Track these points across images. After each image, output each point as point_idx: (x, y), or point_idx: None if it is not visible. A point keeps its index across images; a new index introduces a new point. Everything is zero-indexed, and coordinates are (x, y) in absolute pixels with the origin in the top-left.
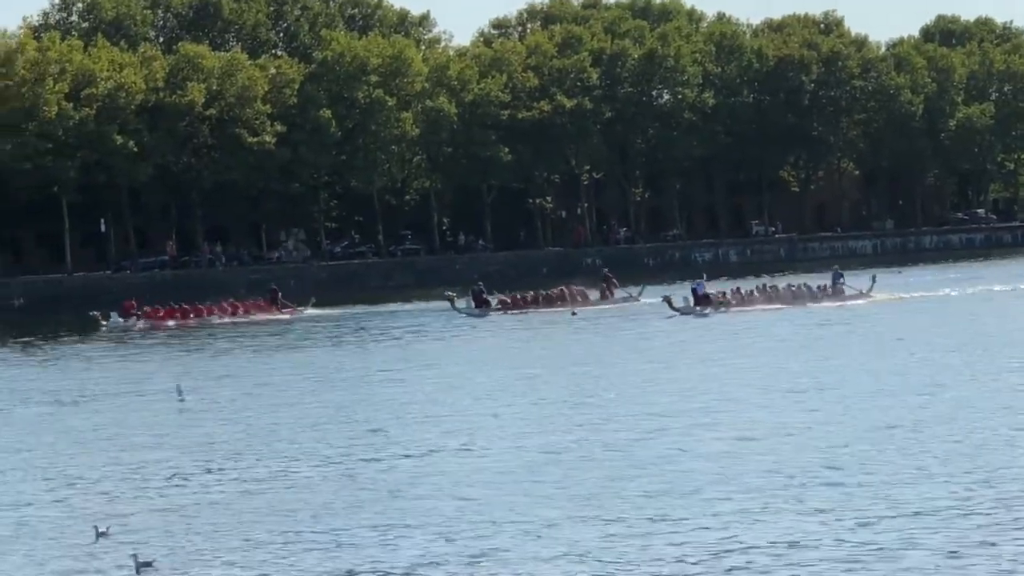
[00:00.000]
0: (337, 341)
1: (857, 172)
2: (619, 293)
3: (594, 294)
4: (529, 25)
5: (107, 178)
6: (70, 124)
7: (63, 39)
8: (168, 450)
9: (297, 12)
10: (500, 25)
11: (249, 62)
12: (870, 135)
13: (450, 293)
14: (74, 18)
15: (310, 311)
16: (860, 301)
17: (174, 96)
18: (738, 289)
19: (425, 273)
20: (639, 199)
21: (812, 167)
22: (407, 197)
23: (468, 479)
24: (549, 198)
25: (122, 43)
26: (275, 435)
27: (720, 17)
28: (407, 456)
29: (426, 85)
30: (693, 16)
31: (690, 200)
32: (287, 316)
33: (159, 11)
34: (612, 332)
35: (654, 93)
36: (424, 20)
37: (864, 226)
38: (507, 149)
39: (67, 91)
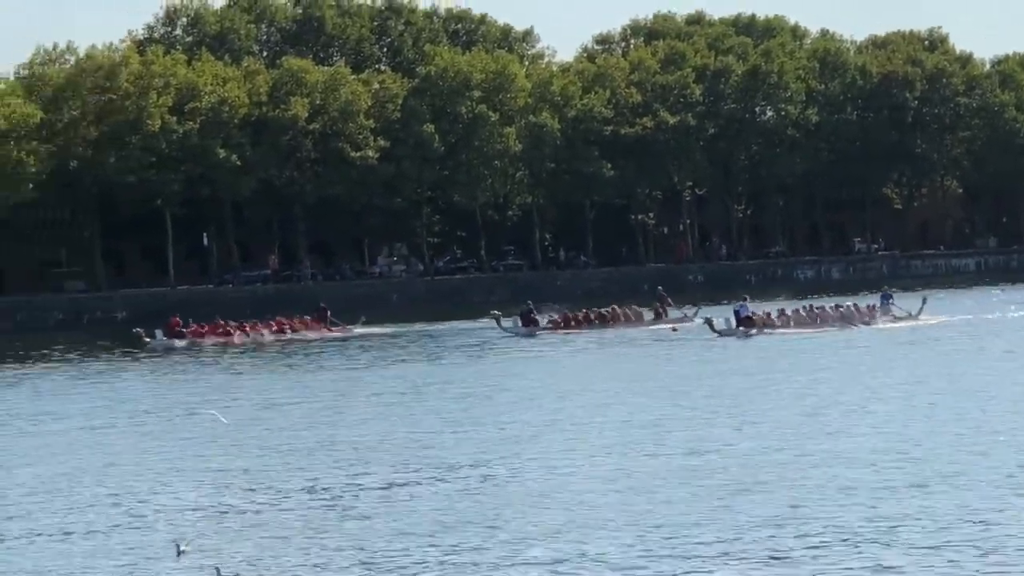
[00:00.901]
0: (393, 359)
1: (960, 190)
2: (673, 313)
3: (648, 314)
4: (632, 41)
5: (210, 192)
6: (174, 138)
7: (167, 53)
8: (247, 464)
9: (401, 27)
10: (603, 41)
11: (352, 77)
12: (974, 152)
13: (496, 312)
14: (178, 32)
15: (360, 330)
16: (908, 323)
17: (277, 110)
18: (783, 311)
19: (526, 288)
20: (741, 215)
21: (915, 184)
22: (509, 212)
23: (579, 493)
24: (651, 214)
25: (226, 57)
26: (354, 450)
27: (824, 33)
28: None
29: (529, 100)
30: (797, 32)
31: (792, 217)
32: (337, 334)
33: (263, 25)
34: (689, 351)
35: (757, 110)
36: (528, 36)
37: (967, 244)
38: (609, 165)
39: (171, 105)
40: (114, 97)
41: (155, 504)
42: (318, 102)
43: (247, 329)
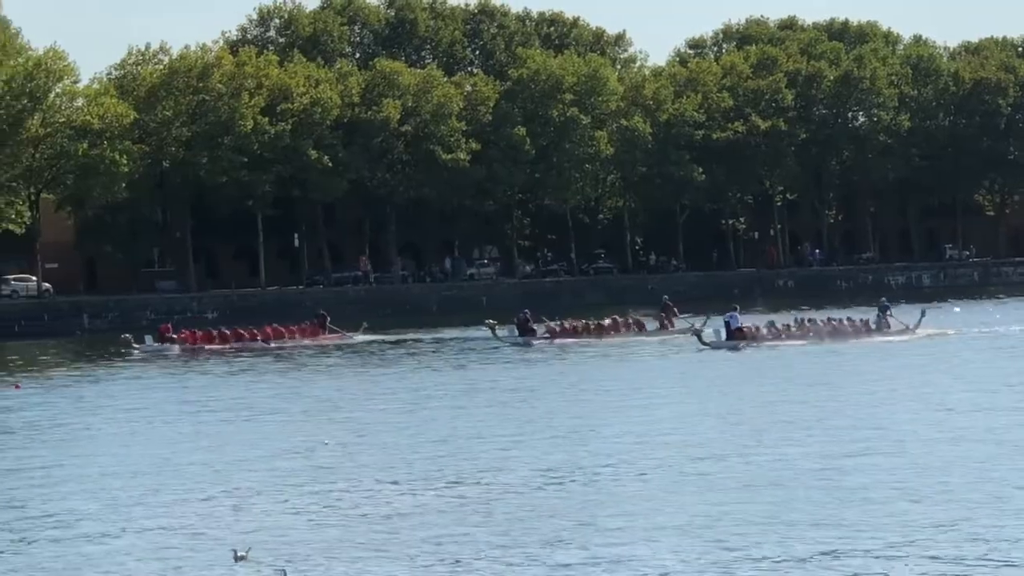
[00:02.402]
0: (408, 364)
1: None
2: (679, 324)
3: (652, 324)
4: (725, 45)
5: (301, 193)
6: (266, 139)
7: (260, 54)
8: (303, 467)
9: (493, 30)
10: (696, 45)
11: (445, 79)
12: None
13: (491, 321)
14: (271, 33)
15: (361, 337)
16: (905, 337)
17: (369, 112)
18: (772, 323)
19: (617, 292)
20: (832, 221)
21: (1008, 191)
22: (600, 216)
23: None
24: (742, 219)
25: (319, 59)
26: (410, 454)
27: (917, 39)
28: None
29: (621, 104)
30: (889, 38)
31: (884, 223)
32: (336, 341)
33: (356, 27)
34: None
35: (849, 115)
36: (620, 39)
37: None
38: (701, 169)
39: (263, 106)
40: (207, 98)
41: (215, 507)
42: (410, 104)
43: (243, 336)
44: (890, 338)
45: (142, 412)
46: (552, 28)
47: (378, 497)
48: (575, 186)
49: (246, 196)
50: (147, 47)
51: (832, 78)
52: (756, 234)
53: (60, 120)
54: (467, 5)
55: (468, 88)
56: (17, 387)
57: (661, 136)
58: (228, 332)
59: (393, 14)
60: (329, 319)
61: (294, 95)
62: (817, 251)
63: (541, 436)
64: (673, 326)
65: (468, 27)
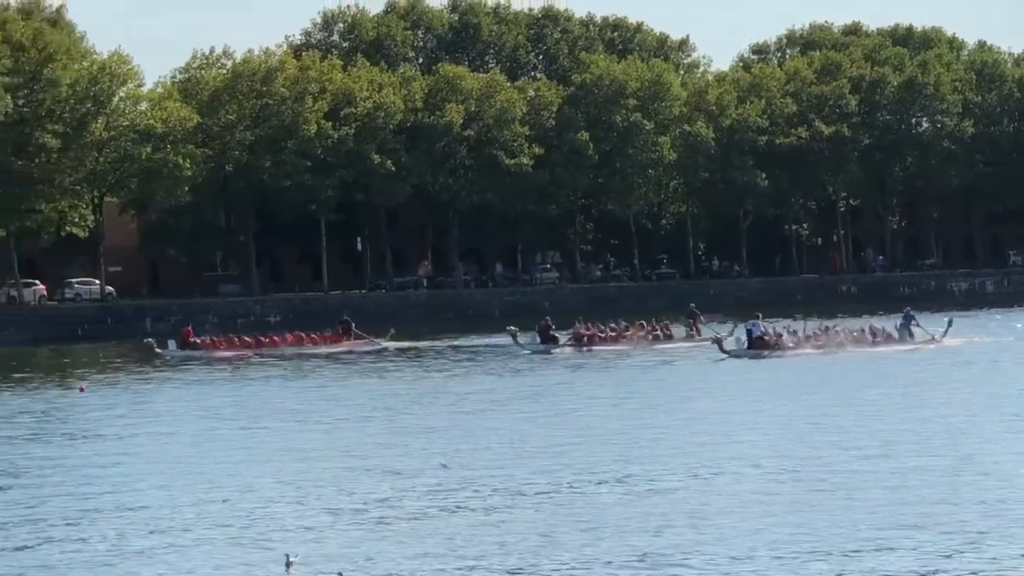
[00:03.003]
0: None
1: None
2: (706, 331)
3: (679, 331)
4: (788, 51)
5: (364, 197)
6: (329, 143)
7: (324, 58)
8: (358, 472)
9: (557, 35)
10: (759, 50)
11: (508, 84)
12: None
13: (512, 328)
14: (335, 38)
15: (389, 344)
16: (931, 346)
17: (433, 116)
18: (795, 331)
19: (679, 297)
20: (896, 227)
21: None
22: (663, 221)
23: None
24: (805, 225)
25: (382, 63)
26: (469, 457)
27: (981, 45)
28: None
29: (684, 109)
30: (954, 44)
31: (947, 229)
32: (362, 347)
33: (419, 32)
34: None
35: (913, 121)
36: (683, 44)
37: None
38: (764, 175)
39: (326, 110)
40: (270, 102)
41: (272, 513)
42: (473, 109)
43: (265, 342)
44: (914, 347)
45: (202, 415)
46: (616, 33)
47: (437, 503)
48: (638, 191)
49: (309, 200)
50: (211, 51)
51: (896, 84)
52: (819, 240)
53: (124, 124)
54: (531, 10)
55: (531, 93)
56: (82, 390)
57: (724, 141)
58: (250, 339)
59: (457, 19)
60: (354, 325)
61: (357, 99)
62: (880, 257)
63: (597, 442)
64: (700, 334)
65: (531, 32)
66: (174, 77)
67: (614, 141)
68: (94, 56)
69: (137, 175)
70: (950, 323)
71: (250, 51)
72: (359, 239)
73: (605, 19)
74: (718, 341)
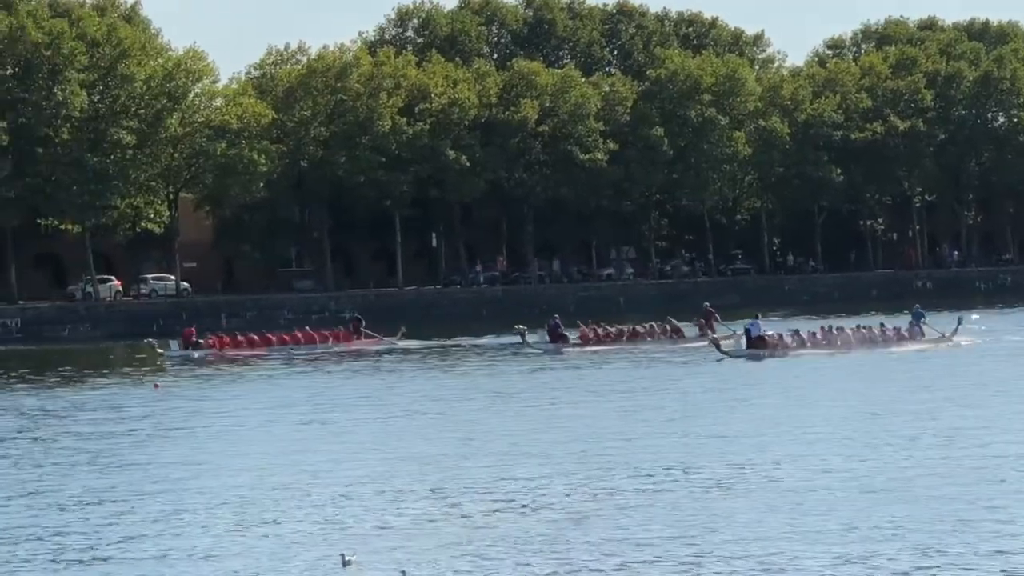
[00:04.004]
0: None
1: None
2: (720, 330)
3: (691, 330)
4: (864, 46)
5: (439, 193)
6: (404, 139)
7: (398, 54)
8: (412, 469)
9: (632, 30)
10: (834, 45)
11: (582, 79)
12: None
13: (521, 327)
14: (409, 34)
15: (401, 342)
16: (942, 345)
17: (507, 112)
18: (797, 331)
19: (753, 293)
20: (971, 222)
21: None
22: (738, 216)
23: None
24: (880, 220)
25: (456, 59)
26: (519, 455)
27: None
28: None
29: (759, 104)
30: None
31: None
32: (373, 346)
33: (494, 27)
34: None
35: (989, 115)
36: (758, 39)
37: None
38: (839, 170)
39: (401, 106)
40: (345, 98)
41: (326, 509)
42: (548, 104)
43: (272, 341)
44: (924, 347)
45: (270, 412)
46: (691, 28)
47: (493, 499)
48: (713, 186)
49: (384, 196)
50: (286, 47)
51: (972, 78)
52: (894, 235)
53: (199, 120)
54: (605, 5)
55: (606, 88)
56: (156, 387)
57: (799, 137)
58: (256, 337)
59: (531, 14)
60: (364, 323)
61: (432, 95)
62: (955, 252)
63: (649, 437)
64: (714, 332)
65: (606, 27)
66: (249, 73)
67: (689, 136)
68: (169, 52)
69: (212, 171)
70: (960, 321)
71: (325, 47)
72: (433, 235)
73: (680, 14)
74: (715, 342)
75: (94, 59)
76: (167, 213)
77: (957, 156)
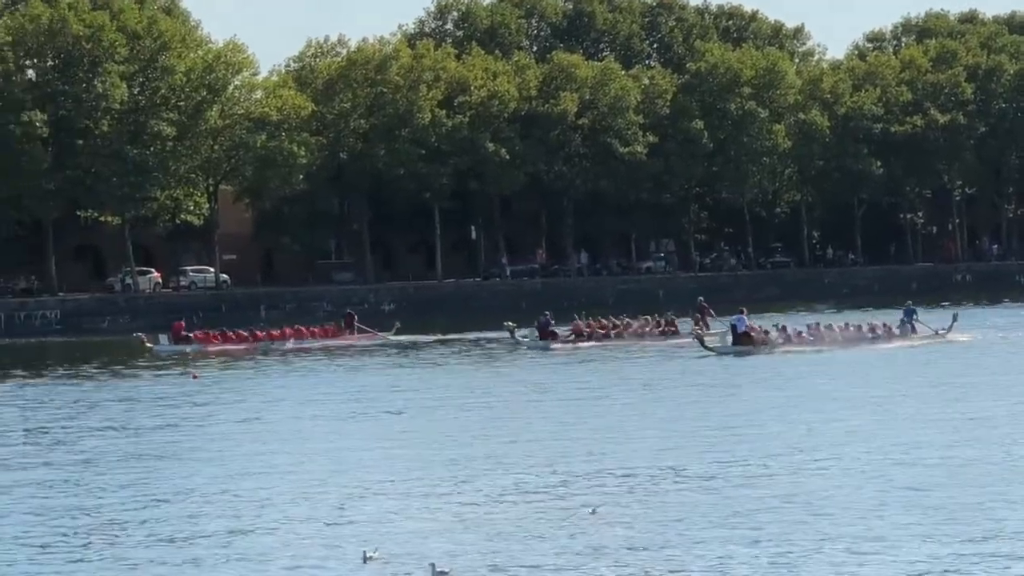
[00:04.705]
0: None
1: None
2: (715, 325)
3: (685, 325)
4: (904, 39)
5: (479, 185)
6: (443, 131)
7: (438, 47)
8: (446, 459)
9: (671, 23)
10: (875, 38)
11: (622, 72)
12: None
13: (510, 323)
14: (449, 26)
15: (394, 337)
16: (934, 342)
17: (547, 105)
18: (784, 327)
19: (793, 286)
20: (1011, 215)
21: None
22: (777, 210)
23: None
24: (920, 213)
25: (496, 51)
26: (553, 446)
27: None
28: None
29: (799, 98)
30: None
31: None
32: (365, 341)
33: (533, 20)
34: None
35: None
36: (798, 33)
37: None
38: (879, 163)
39: (441, 98)
40: (384, 90)
41: (357, 504)
42: (587, 97)
43: (261, 336)
44: (916, 344)
45: (306, 405)
46: (730, 21)
47: (521, 492)
48: (752, 179)
49: (423, 188)
50: (325, 39)
51: (1012, 72)
52: (934, 228)
53: (239, 112)
54: None
55: (646, 81)
56: (195, 377)
57: (839, 130)
58: (245, 332)
59: (571, 7)
60: (357, 318)
61: (472, 88)
62: (995, 245)
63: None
64: (708, 328)
65: (646, 20)
66: (289, 66)
67: (728, 129)
68: (209, 45)
69: (252, 163)
70: (955, 318)
71: (364, 40)
72: (472, 227)
73: (720, 7)
74: (699, 337)
75: (134, 51)
76: (207, 205)
77: (997, 149)
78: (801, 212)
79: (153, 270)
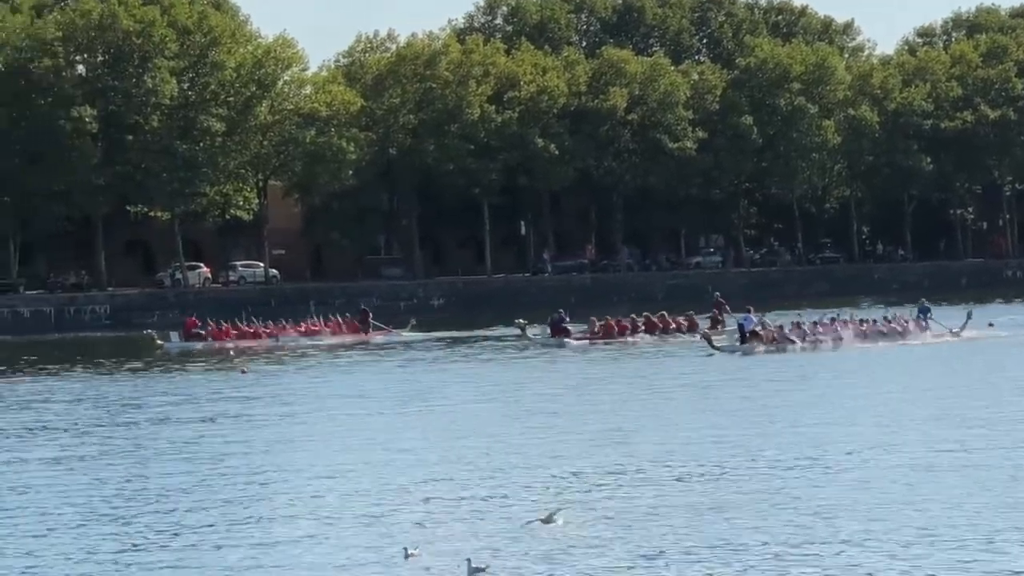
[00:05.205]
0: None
1: None
2: (730, 321)
3: (703, 321)
4: (954, 34)
5: (528, 181)
6: (492, 127)
7: (487, 42)
8: (494, 456)
9: (721, 18)
10: (925, 34)
11: (672, 68)
12: None
13: (521, 320)
14: (498, 21)
15: (408, 335)
16: (949, 339)
17: (596, 100)
18: (798, 324)
19: (843, 282)
20: None
21: None
22: (827, 205)
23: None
24: (970, 208)
25: (546, 47)
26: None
27: None
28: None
29: (848, 93)
30: None
31: None
32: (380, 338)
33: (583, 15)
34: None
35: None
36: (848, 28)
37: None
38: (929, 159)
39: (490, 94)
40: (434, 85)
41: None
42: (637, 92)
43: (275, 332)
44: (929, 342)
45: (354, 400)
46: (780, 17)
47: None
48: (802, 175)
49: (472, 184)
50: (375, 35)
51: None
52: (984, 224)
53: (288, 107)
54: None
55: (695, 77)
56: (244, 372)
57: (889, 125)
58: (261, 327)
59: (620, 2)
60: (372, 315)
61: (521, 83)
62: None
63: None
64: (725, 324)
65: (695, 15)
66: (338, 61)
67: (778, 125)
68: (259, 40)
69: (301, 158)
70: (969, 315)
71: (414, 35)
72: (522, 223)
73: (770, 2)
74: (706, 336)
75: (184, 47)
76: (256, 200)
77: None
78: (850, 208)
79: (202, 265)
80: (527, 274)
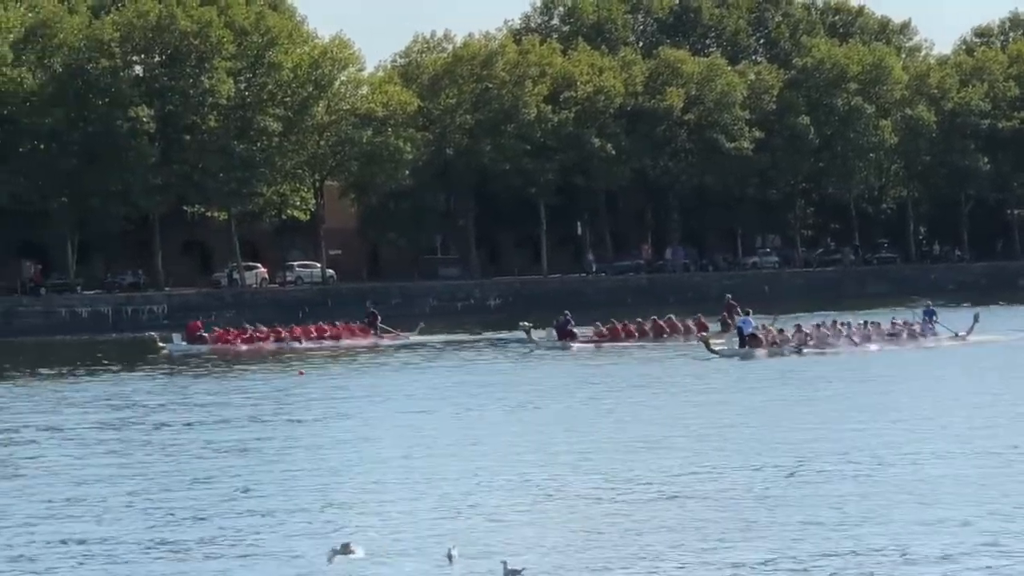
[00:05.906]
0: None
1: None
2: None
3: (714, 324)
4: (1012, 34)
5: (584, 181)
6: (549, 126)
7: (543, 42)
8: (528, 460)
9: (778, 18)
10: (982, 33)
11: (728, 68)
12: None
13: (526, 323)
14: (555, 21)
15: (417, 338)
16: (955, 343)
17: (652, 100)
18: (799, 327)
19: (900, 282)
20: None
21: None
22: (884, 205)
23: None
24: None
25: (602, 47)
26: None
27: None
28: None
29: (905, 93)
30: None
31: None
32: (388, 342)
33: (639, 15)
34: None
35: None
36: (905, 28)
37: None
38: (986, 159)
39: (546, 93)
40: (490, 85)
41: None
42: (693, 92)
43: (282, 335)
44: (935, 345)
45: (409, 401)
46: (837, 17)
47: (598, 489)
48: (859, 175)
49: (529, 184)
50: (431, 35)
51: None
52: None
53: (345, 108)
54: None
55: (752, 77)
56: (301, 373)
57: (946, 125)
58: (267, 330)
59: (677, 2)
60: (380, 318)
61: (577, 83)
62: None
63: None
64: (734, 327)
65: (753, 15)
66: (395, 61)
67: (835, 125)
68: (315, 40)
69: (357, 159)
70: (976, 318)
71: (470, 35)
72: (578, 223)
73: (827, 2)
74: (705, 340)
75: (241, 47)
76: (312, 200)
77: None
78: (907, 208)
79: (259, 265)
80: (584, 274)
